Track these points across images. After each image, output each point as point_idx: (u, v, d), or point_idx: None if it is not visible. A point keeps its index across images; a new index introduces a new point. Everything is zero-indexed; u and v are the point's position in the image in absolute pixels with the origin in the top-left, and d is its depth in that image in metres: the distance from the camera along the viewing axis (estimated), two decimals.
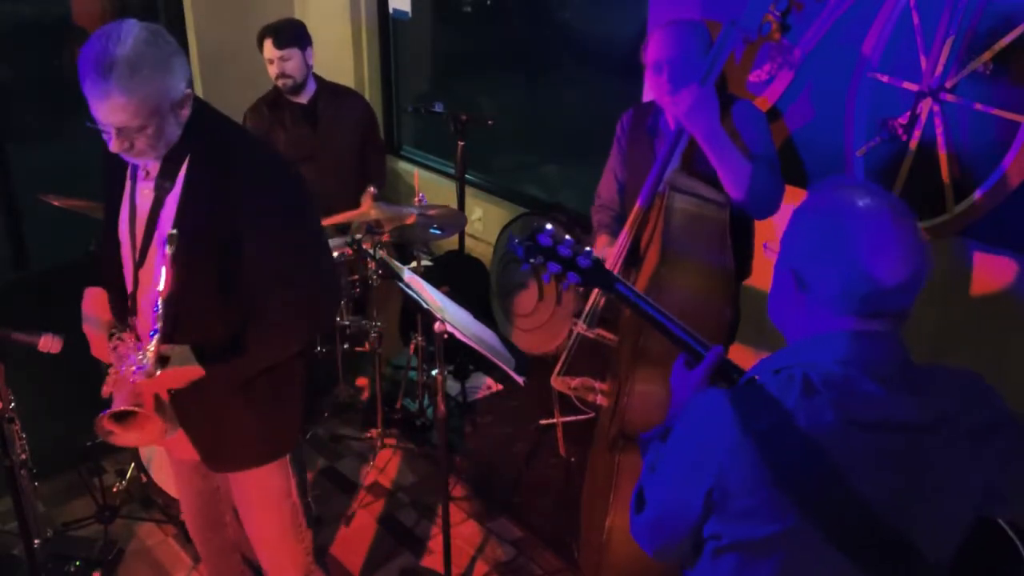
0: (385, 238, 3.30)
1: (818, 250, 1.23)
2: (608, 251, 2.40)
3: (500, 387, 3.86)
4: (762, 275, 2.52)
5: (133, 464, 3.07)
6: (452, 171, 4.08)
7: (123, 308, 1.99)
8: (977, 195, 2.50)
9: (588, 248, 1.64)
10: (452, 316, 2.28)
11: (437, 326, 2.25)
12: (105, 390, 1.88)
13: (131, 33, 1.68)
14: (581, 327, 2.54)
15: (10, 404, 2.33)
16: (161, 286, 1.77)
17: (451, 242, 3.93)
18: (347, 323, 3.40)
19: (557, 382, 2.79)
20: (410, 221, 3.23)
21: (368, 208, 3.17)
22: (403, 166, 4.92)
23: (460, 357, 3.80)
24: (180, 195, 1.84)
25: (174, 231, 1.77)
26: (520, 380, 2.21)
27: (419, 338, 3.51)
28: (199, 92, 4.44)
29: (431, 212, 3.27)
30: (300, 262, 1.92)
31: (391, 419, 3.56)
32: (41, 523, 2.79)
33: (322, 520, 3.06)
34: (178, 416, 1.99)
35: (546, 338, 3.89)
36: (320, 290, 1.99)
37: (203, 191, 1.83)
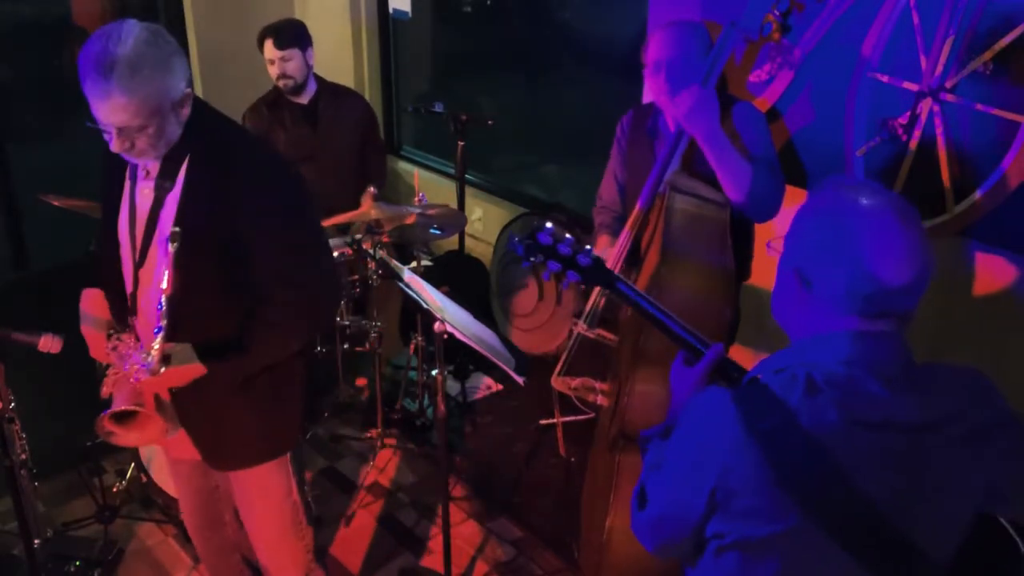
0: (385, 238, 3.30)
1: (822, 250, 1.23)
2: (609, 251, 2.40)
3: (500, 387, 3.86)
4: (762, 275, 2.52)
5: (133, 464, 3.07)
6: (452, 171, 4.08)
7: (122, 309, 1.99)
8: (977, 195, 2.50)
9: (588, 246, 1.65)
10: (452, 316, 2.28)
11: (437, 326, 2.25)
12: (105, 390, 1.88)
13: (131, 33, 1.69)
14: (581, 327, 2.54)
15: (10, 404, 2.33)
16: (164, 284, 1.78)
17: (451, 242, 3.94)
18: (347, 323, 3.40)
19: (557, 382, 2.79)
20: (410, 221, 3.23)
21: (368, 208, 3.17)
22: (403, 166, 4.92)
23: (460, 357, 3.80)
24: (180, 194, 1.84)
25: (177, 229, 1.78)
26: (520, 380, 2.21)
27: (419, 338, 3.51)
28: (199, 92, 4.44)
29: (431, 212, 3.27)
30: (300, 262, 1.92)
31: (391, 419, 3.56)
32: (41, 523, 2.79)
33: (322, 520, 3.06)
34: (179, 415, 1.99)
35: (546, 338, 3.89)
36: (320, 290, 1.99)
37: (203, 191, 1.83)
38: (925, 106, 2.56)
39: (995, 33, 2.37)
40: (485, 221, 4.46)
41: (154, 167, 1.85)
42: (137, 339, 1.93)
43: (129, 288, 1.96)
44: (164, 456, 2.47)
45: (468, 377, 3.84)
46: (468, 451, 3.48)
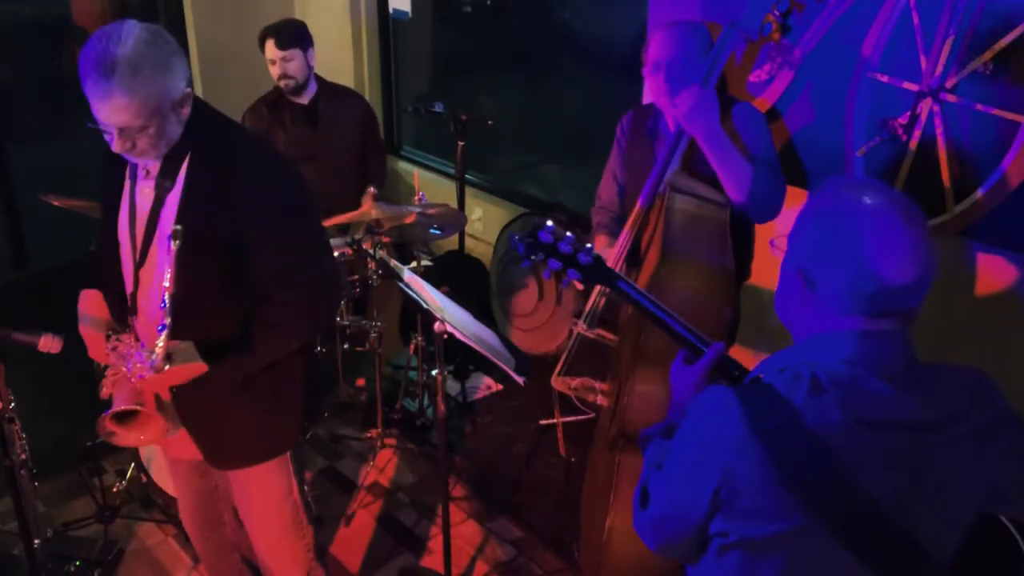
0: (385, 238, 3.30)
1: (825, 249, 1.23)
2: (608, 252, 2.40)
3: (500, 387, 3.86)
4: (762, 275, 2.52)
5: (133, 464, 3.07)
6: (452, 171, 4.08)
7: (122, 309, 1.99)
8: (978, 194, 2.50)
9: (589, 245, 1.65)
10: (452, 316, 2.28)
11: (437, 326, 2.25)
12: (104, 391, 1.88)
13: (131, 33, 1.69)
14: (581, 327, 2.54)
15: (10, 404, 2.33)
16: (167, 282, 1.78)
17: (451, 242, 3.94)
18: (347, 323, 3.40)
19: (557, 382, 2.79)
20: (410, 221, 3.23)
21: (368, 208, 3.17)
22: (403, 166, 4.92)
23: (460, 357, 3.80)
24: (181, 194, 1.84)
25: (178, 227, 1.78)
26: (520, 380, 2.21)
27: (419, 338, 3.51)
28: (199, 92, 4.44)
29: (431, 212, 3.27)
30: (300, 262, 1.92)
31: (391, 419, 3.56)
32: (41, 523, 2.79)
33: (322, 520, 3.06)
34: (180, 414, 1.99)
35: (546, 338, 3.89)
36: (320, 290, 1.99)
37: (203, 190, 1.83)
38: (925, 106, 2.56)
39: (995, 33, 2.37)
40: (485, 221, 4.46)
41: (154, 167, 1.86)
42: (137, 339, 1.93)
43: (129, 288, 1.96)
44: (164, 456, 2.47)
45: (468, 377, 3.84)
46: (468, 451, 3.48)
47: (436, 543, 2.96)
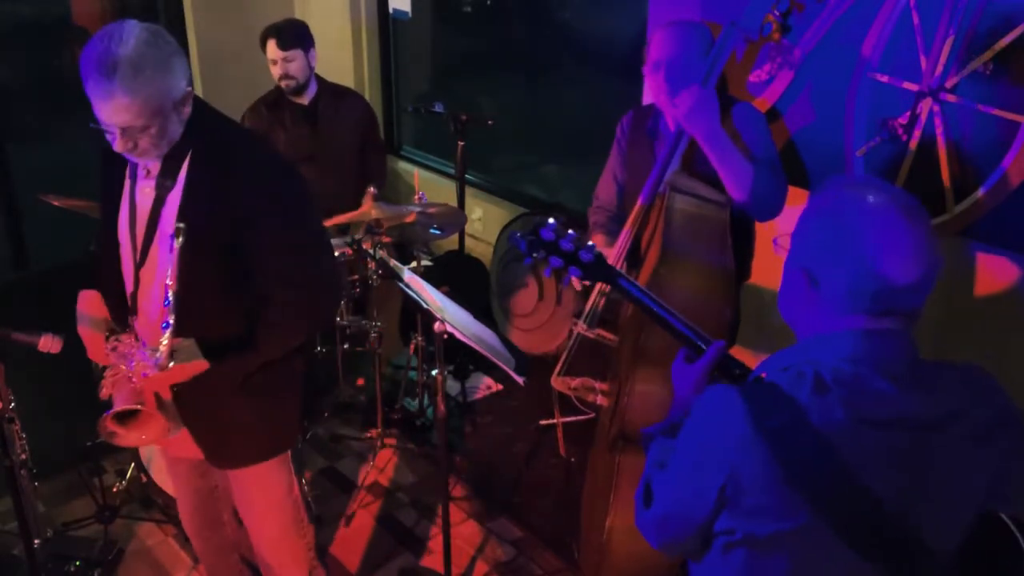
0: (385, 238, 3.30)
1: (828, 248, 1.23)
2: (607, 251, 2.40)
3: (500, 387, 3.86)
4: (762, 274, 2.52)
5: (133, 464, 3.07)
6: (452, 171, 4.08)
7: (122, 310, 1.99)
8: (978, 194, 2.50)
9: (591, 243, 1.65)
10: (452, 316, 2.28)
11: (437, 326, 2.25)
12: (104, 391, 1.88)
13: (132, 33, 1.69)
14: (581, 327, 2.54)
15: (10, 404, 2.33)
16: (170, 279, 1.78)
17: (451, 242, 3.94)
18: (347, 323, 3.40)
19: (557, 382, 2.79)
20: (410, 220, 3.23)
21: (368, 208, 3.17)
22: (403, 166, 4.92)
23: (460, 357, 3.80)
24: (182, 193, 1.84)
25: (181, 224, 1.78)
26: (520, 380, 2.21)
27: (419, 338, 3.50)
28: (199, 92, 4.44)
29: (431, 211, 3.27)
30: (300, 262, 1.92)
31: (391, 419, 3.56)
32: (41, 523, 2.79)
33: (322, 520, 3.06)
34: (180, 414, 1.99)
35: (546, 338, 3.89)
36: (320, 291, 1.99)
37: (204, 189, 1.84)
38: (925, 106, 2.56)
39: (995, 33, 2.37)
40: (485, 221, 4.46)
41: (155, 166, 1.86)
42: (137, 339, 1.93)
43: (129, 288, 1.96)
44: (163, 456, 2.47)
45: (468, 377, 3.84)
46: (468, 451, 3.48)
47: (436, 543, 2.96)
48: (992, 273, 2.54)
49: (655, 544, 1.38)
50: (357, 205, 3.28)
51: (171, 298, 1.79)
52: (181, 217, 1.83)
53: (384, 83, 5.00)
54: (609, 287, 2.44)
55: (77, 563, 2.82)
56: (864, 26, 2.64)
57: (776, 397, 1.21)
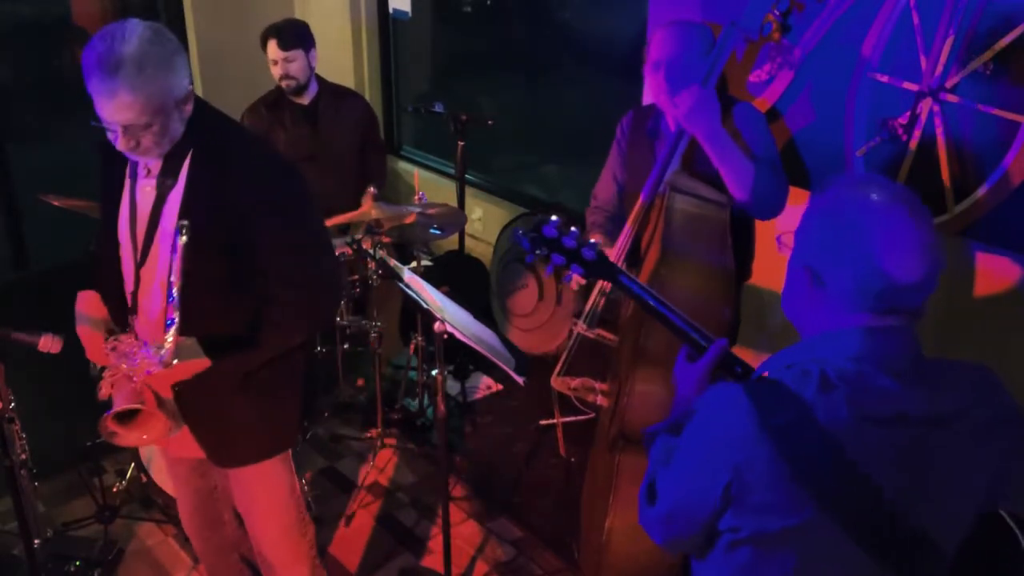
0: (385, 238, 3.30)
1: (833, 247, 1.24)
2: (606, 252, 2.40)
3: (500, 387, 3.86)
4: (762, 274, 2.53)
5: (133, 464, 3.07)
6: (452, 171, 4.08)
7: (121, 310, 1.99)
8: (979, 194, 2.50)
9: (593, 240, 1.65)
10: (452, 316, 2.28)
11: (437, 326, 2.25)
12: (104, 392, 1.88)
13: (135, 32, 1.70)
14: (581, 327, 2.54)
15: (10, 404, 2.33)
16: (174, 276, 1.78)
17: (451, 242, 3.94)
18: (347, 323, 3.40)
19: (557, 382, 2.79)
20: (410, 221, 3.23)
21: (368, 208, 3.17)
22: (403, 166, 4.92)
23: (460, 357, 3.80)
24: (183, 191, 1.85)
25: (185, 221, 1.78)
26: (520, 380, 2.21)
27: (419, 338, 3.50)
28: (199, 92, 4.41)
29: (431, 211, 3.27)
30: (300, 262, 1.92)
31: (391, 419, 3.56)
32: (41, 523, 2.79)
33: (322, 520, 3.06)
34: (182, 413, 1.99)
35: (546, 338, 3.89)
36: (321, 291, 2.00)
37: (205, 188, 1.84)
38: (925, 106, 2.56)
39: (995, 33, 2.37)
40: (485, 221, 4.46)
41: (155, 165, 1.86)
42: (137, 338, 1.93)
43: (130, 287, 1.96)
44: (163, 456, 2.47)
45: (468, 377, 3.84)
46: (468, 451, 3.48)
47: (436, 543, 2.96)
48: (992, 273, 2.54)
49: (659, 541, 1.38)
50: (357, 205, 3.28)
51: (175, 295, 1.79)
52: (183, 215, 1.83)
53: (384, 83, 5.00)
54: (610, 287, 2.46)
55: (77, 563, 2.82)
56: (864, 26, 2.64)
57: (781, 395, 1.21)
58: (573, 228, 1.65)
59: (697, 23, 2.41)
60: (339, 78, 3.94)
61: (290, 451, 2.21)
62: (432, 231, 3.37)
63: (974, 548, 1.32)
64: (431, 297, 2.34)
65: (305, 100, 3.59)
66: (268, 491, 2.18)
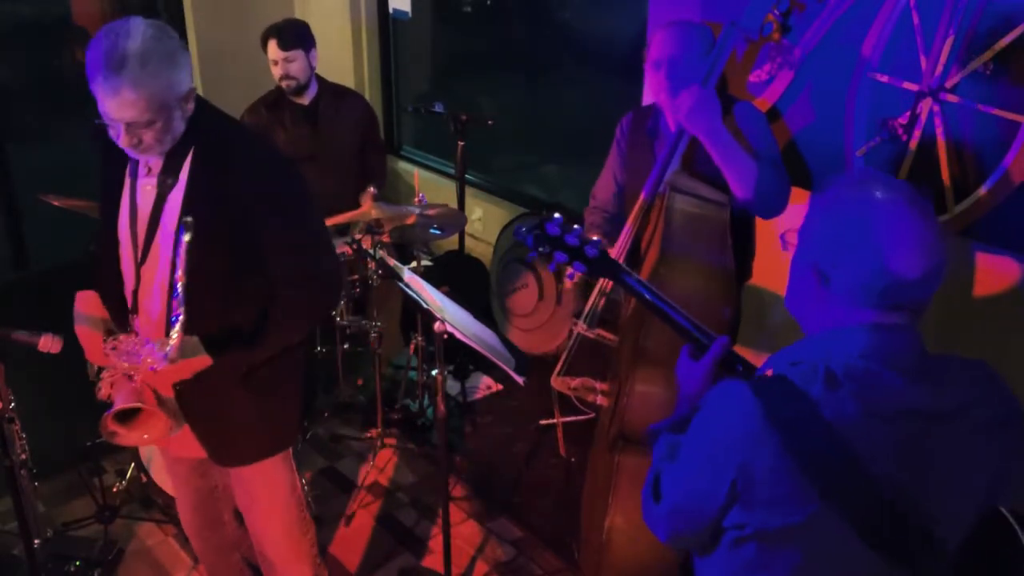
0: (385, 238, 3.30)
1: (838, 244, 1.24)
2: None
3: (500, 387, 3.86)
4: (762, 274, 2.53)
5: (133, 464, 3.07)
6: (452, 171, 4.08)
7: (121, 310, 1.99)
8: (978, 195, 2.50)
9: (596, 238, 1.65)
10: (452, 316, 2.28)
11: (437, 326, 2.25)
12: (103, 392, 1.88)
13: (139, 29, 1.71)
14: (581, 327, 2.54)
15: (10, 404, 2.33)
16: (179, 272, 1.78)
17: (451, 242, 3.94)
18: (347, 323, 3.39)
19: (557, 382, 2.79)
20: (410, 221, 3.23)
21: (368, 208, 3.17)
22: (403, 166, 4.92)
23: (460, 357, 3.80)
24: (185, 190, 1.85)
25: (189, 218, 1.78)
26: (520, 380, 2.21)
27: (419, 338, 3.50)
28: (199, 92, 4.43)
29: (431, 212, 3.27)
30: (300, 262, 1.93)
31: (391, 419, 3.56)
32: (41, 523, 2.79)
33: (322, 520, 3.06)
34: (183, 412, 1.99)
35: (546, 338, 3.89)
36: (320, 290, 2.00)
37: (206, 187, 1.84)
38: (925, 106, 2.56)
39: (995, 33, 2.37)
40: (485, 221, 4.46)
41: (156, 164, 1.86)
42: (138, 336, 1.93)
43: (130, 286, 1.96)
44: (163, 456, 2.47)
45: (468, 377, 3.84)
46: (468, 451, 3.48)
47: (436, 543, 2.96)
48: (992, 273, 2.54)
49: (663, 538, 1.39)
50: (357, 205, 3.28)
51: (180, 291, 1.78)
52: (185, 213, 1.83)
53: (384, 83, 5.00)
54: (610, 287, 2.46)
55: (77, 563, 2.82)
56: (864, 26, 2.64)
57: (788, 391, 1.21)
58: (576, 226, 1.65)
59: (697, 23, 2.41)
60: (339, 78, 3.94)
61: (291, 450, 2.21)
62: (432, 231, 3.37)
63: (976, 545, 1.32)
64: (431, 297, 2.34)
65: (305, 100, 3.59)
66: (269, 489, 2.19)
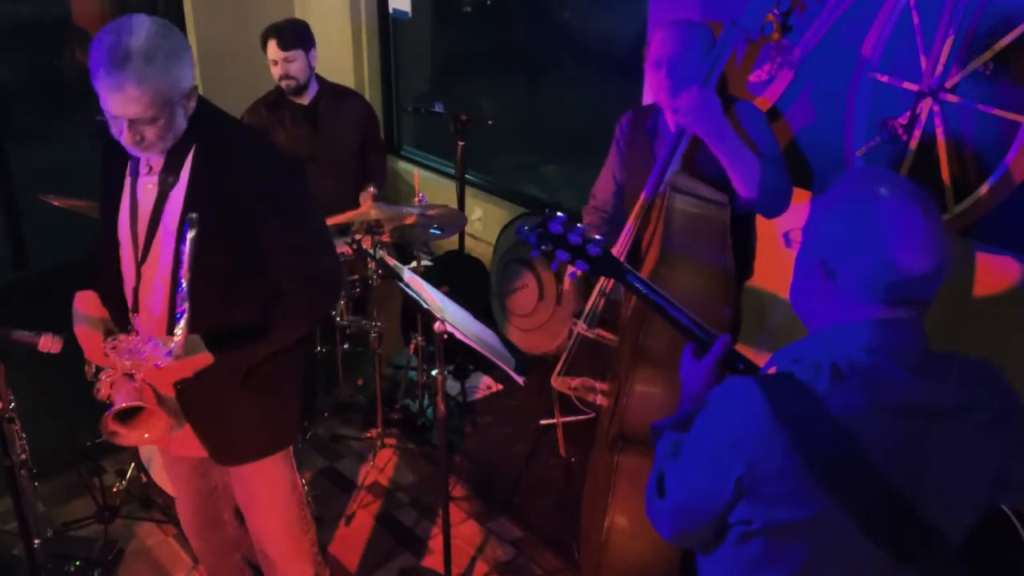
0: (385, 238, 3.30)
1: (846, 240, 1.24)
2: None
3: (500, 387, 3.86)
4: (762, 274, 2.53)
5: (133, 464, 3.07)
6: (452, 171, 4.08)
7: (121, 310, 1.99)
8: (978, 195, 2.50)
9: (598, 236, 1.65)
10: (452, 316, 2.28)
11: (437, 326, 2.25)
12: (103, 392, 1.88)
13: (142, 25, 1.71)
14: (581, 327, 2.54)
15: (10, 404, 2.33)
16: (184, 268, 1.78)
17: (451, 242, 3.94)
18: (347, 323, 3.39)
19: (557, 382, 2.79)
20: (410, 221, 3.23)
21: (368, 208, 3.17)
22: (403, 166, 4.92)
23: (460, 357, 3.80)
24: (187, 188, 1.85)
25: (194, 215, 1.78)
26: (520, 380, 2.21)
27: (419, 338, 3.50)
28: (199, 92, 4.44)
29: (431, 212, 3.27)
30: (301, 261, 1.93)
31: (391, 419, 3.56)
32: (41, 523, 2.79)
33: (322, 520, 3.06)
34: (184, 411, 1.99)
35: (546, 338, 3.89)
36: (321, 289, 2.00)
37: (209, 184, 1.84)
38: (925, 106, 2.56)
39: (995, 33, 2.37)
40: (485, 221, 4.46)
41: (157, 162, 1.86)
42: (139, 335, 1.93)
43: (131, 285, 1.96)
44: (163, 456, 2.47)
45: (468, 377, 3.84)
46: (468, 451, 3.48)
47: (436, 543, 2.96)
48: (992, 273, 2.54)
49: (667, 535, 1.39)
50: (357, 205, 3.28)
51: (184, 286, 1.78)
52: (188, 211, 1.83)
53: (384, 83, 5.00)
54: (610, 286, 2.46)
55: (77, 563, 2.82)
56: (864, 26, 2.64)
57: (794, 387, 1.22)
58: (579, 224, 1.65)
59: (697, 23, 2.41)
60: (339, 78, 3.94)
61: (291, 448, 2.21)
62: (432, 231, 3.37)
63: (977, 542, 1.32)
64: (431, 297, 2.34)
65: (305, 100, 3.59)
66: (269, 488, 2.19)
